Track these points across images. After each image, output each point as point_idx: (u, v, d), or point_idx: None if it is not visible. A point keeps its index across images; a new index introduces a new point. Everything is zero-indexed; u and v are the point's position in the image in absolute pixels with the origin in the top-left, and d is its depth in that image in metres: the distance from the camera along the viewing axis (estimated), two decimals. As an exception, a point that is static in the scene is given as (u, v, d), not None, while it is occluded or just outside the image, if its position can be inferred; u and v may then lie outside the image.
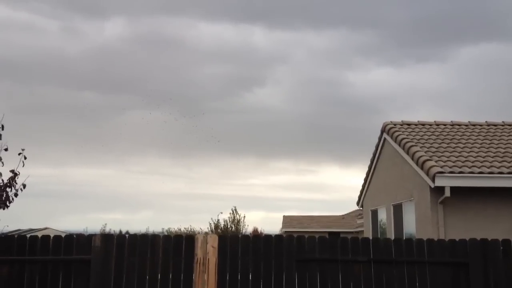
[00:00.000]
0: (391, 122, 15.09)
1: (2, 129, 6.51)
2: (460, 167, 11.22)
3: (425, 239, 7.44)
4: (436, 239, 7.80)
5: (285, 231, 30.99)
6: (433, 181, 10.83)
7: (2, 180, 6.43)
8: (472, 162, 11.65)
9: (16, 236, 7.09)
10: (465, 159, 11.85)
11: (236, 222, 35.51)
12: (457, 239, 7.40)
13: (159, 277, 7.06)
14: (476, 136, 13.97)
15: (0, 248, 6.75)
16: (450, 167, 11.17)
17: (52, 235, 7.11)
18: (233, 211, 35.58)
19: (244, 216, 35.83)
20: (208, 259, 7.10)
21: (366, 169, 17.65)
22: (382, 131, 15.39)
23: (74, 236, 7.08)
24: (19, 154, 6.44)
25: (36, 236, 7.06)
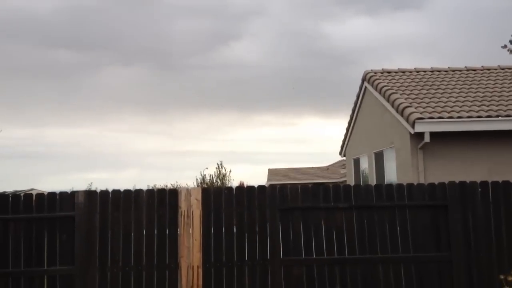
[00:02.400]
0: (371, 70, 15.09)
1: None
2: (439, 113, 11.33)
3: (405, 184, 7.57)
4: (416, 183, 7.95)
5: (271, 184, 31.31)
6: (413, 127, 10.94)
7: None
8: (451, 107, 11.76)
9: (-2, 196, 7.08)
10: (444, 104, 11.96)
11: (222, 177, 35.76)
12: (436, 183, 7.54)
13: (144, 231, 7.13)
14: (456, 81, 14.07)
15: (-18, 208, 6.73)
16: (429, 113, 11.27)
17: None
18: (218, 166, 35.77)
19: (230, 171, 36.08)
20: (192, 211, 7.16)
21: (347, 120, 17.75)
22: (363, 80, 15.40)
23: (57, 193, 7.07)
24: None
25: (19, 195, 7.06)
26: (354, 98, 16.63)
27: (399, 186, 7.49)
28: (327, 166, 36.85)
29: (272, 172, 36.10)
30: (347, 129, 17.96)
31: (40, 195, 7.06)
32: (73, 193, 7.06)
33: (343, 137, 18.54)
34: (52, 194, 7.06)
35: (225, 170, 35.92)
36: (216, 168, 35.73)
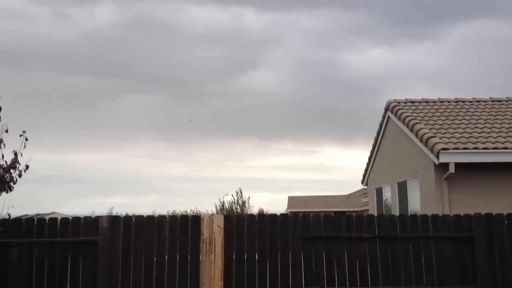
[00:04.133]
0: (394, 100, 15.05)
1: (0, 110, 6.50)
2: (464, 143, 11.21)
3: (429, 214, 7.47)
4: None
5: (291, 212, 31.13)
6: (438, 157, 10.84)
7: (6, 162, 6.46)
8: (477, 138, 11.63)
9: (24, 219, 7.16)
10: (469, 135, 11.84)
11: (242, 204, 35.66)
12: (461, 214, 7.43)
13: (166, 257, 7.13)
14: (480, 112, 13.93)
15: (9, 231, 6.81)
16: (454, 144, 11.16)
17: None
18: (237, 193, 35.69)
19: (249, 197, 35.96)
20: (215, 238, 7.15)
21: (367, 149, 17.67)
22: (386, 109, 15.35)
23: (82, 218, 7.14)
24: (20, 135, 6.46)
25: (44, 219, 7.14)
26: (374, 127, 16.58)
27: (424, 217, 7.40)
28: (347, 195, 36.56)
29: (292, 200, 35.92)
30: (369, 158, 17.85)
31: (65, 220, 7.13)
32: (97, 218, 7.12)
33: (365, 166, 18.41)
34: (76, 219, 7.13)
35: (244, 197, 35.83)
36: (236, 194, 35.63)
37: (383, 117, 15.85)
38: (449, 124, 12.72)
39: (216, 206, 35.23)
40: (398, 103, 14.76)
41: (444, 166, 10.89)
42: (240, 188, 35.76)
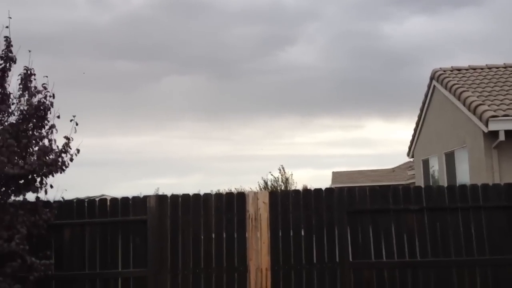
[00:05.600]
0: (440, 68, 14.64)
1: (53, 97, 6.71)
2: (514, 110, 10.82)
3: (479, 184, 7.27)
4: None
5: (336, 187, 30.95)
6: (487, 125, 10.51)
7: (57, 146, 6.67)
8: (527, 104, 11.20)
9: (75, 201, 7.39)
10: (519, 101, 11.41)
11: (285, 181, 35.68)
12: (513, 183, 7.20)
13: (213, 234, 7.23)
14: (531, 77, 13.38)
15: (62, 213, 7.05)
16: (504, 111, 10.79)
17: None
18: (280, 170, 35.69)
19: (292, 174, 35.89)
20: (260, 214, 7.19)
21: (413, 121, 17.30)
22: (432, 78, 14.96)
23: (130, 198, 7.30)
24: (71, 120, 6.63)
25: (94, 200, 7.35)
26: (418, 99, 16.20)
27: (474, 186, 7.21)
28: (392, 168, 36.01)
29: (336, 175, 35.70)
30: (415, 130, 17.49)
31: (114, 200, 7.31)
32: (145, 198, 7.26)
33: (410, 138, 18.06)
34: (125, 199, 7.30)
35: (287, 173, 35.80)
36: (279, 172, 35.64)
37: (428, 86, 15.46)
38: (497, 91, 12.29)
39: (259, 184, 35.40)
40: (444, 71, 14.36)
41: (494, 134, 10.56)
42: (282, 165, 35.74)
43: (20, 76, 6.67)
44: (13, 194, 6.47)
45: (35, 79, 6.71)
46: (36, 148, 6.55)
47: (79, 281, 7.08)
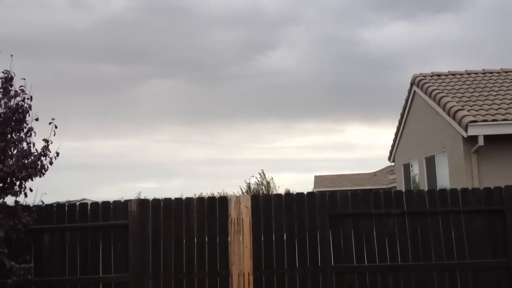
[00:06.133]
0: (420, 74, 14.80)
1: (31, 100, 6.63)
2: (493, 115, 10.99)
3: (459, 188, 7.36)
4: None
5: (318, 191, 31.05)
6: (466, 130, 10.65)
7: (36, 150, 6.59)
8: (506, 109, 11.39)
9: (55, 205, 7.30)
10: (498, 107, 11.59)
11: (267, 185, 35.71)
12: (492, 187, 7.30)
13: (195, 239, 7.20)
14: (509, 83, 13.61)
15: (41, 217, 6.96)
16: (483, 116, 10.95)
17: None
18: (260, 175, 35.69)
19: (272, 178, 35.93)
20: (242, 218, 7.19)
21: (394, 125, 17.47)
22: (412, 84, 15.13)
23: (111, 202, 7.24)
24: (50, 123, 6.56)
25: (75, 204, 7.26)
26: (399, 103, 16.36)
27: (453, 191, 7.30)
28: (374, 172, 36.29)
29: (318, 179, 35.83)
30: (396, 134, 17.65)
31: (95, 204, 7.25)
32: (126, 202, 7.21)
33: (391, 142, 18.23)
34: (106, 203, 7.23)
35: (267, 177, 35.82)
36: (259, 176, 35.64)
37: (409, 92, 15.62)
38: (477, 97, 12.47)
39: (241, 188, 35.37)
40: (424, 77, 14.52)
41: (473, 139, 10.71)
42: (262, 170, 35.75)
43: (0, 79, 6.58)
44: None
45: (13, 82, 6.62)
46: (15, 151, 6.46)
47: (59, 286, 6.99)
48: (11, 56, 6.53)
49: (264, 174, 35.62)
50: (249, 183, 35.20)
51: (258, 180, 35.37)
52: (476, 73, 14.68)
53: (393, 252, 7.14)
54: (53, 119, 6.55)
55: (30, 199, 6.67)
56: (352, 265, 7.10)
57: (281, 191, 36.18)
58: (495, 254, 7.10)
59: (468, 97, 12.40)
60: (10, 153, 6.45)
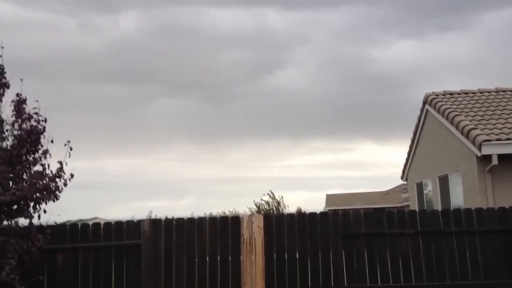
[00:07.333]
0: (432, 92, 14.75)
1: (46, 122, 6.68)
2: (506, 134, 10.90)
3: (473, 208, 7.29)
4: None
5: (329, 210, 30.86)
6: (480, 149, 10.57)
7: (51, 171, 6.62)
8: (519, 128, 11.29)
9: (68, 224, 7.33)
10: (511, 125, 11.50)
11: (277, 204, 35.47)
12: (507, 207, 7.22)
13: (207, 258, 7.18)
14: (523, 101, 13.51)
15: (54, 236, 6.97)
16: (496, 135, 10.87)
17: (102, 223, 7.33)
18: (270, 195, 35.44)
19: (282, 197, 35.68)
20: (255, 238, 7.17)
21: (403, 143, 17.47)
22: (424, 103, 15.07)
23: (124, 222, 7.26)
24: (65, 145, 6.59)
25: (88, 224, 7.29)
26: (409, 121, 16.30)
27: (468, 210, 7.23)
28: (386, 191, 36.04)
29: (330, 198, 35.67)
30: (408, 153, 17.55)
31: (108, 224, 7.27)
32: (139, 222, 7.22)
33: (404, 161, 18.11)
34: (119, 223, 7.25)
35: (277, 197, 35.60)
36: (269, 196, 35.39)
37: (421, 110, 15.56)
38: (490, 115, 12.39)
39: (250, 210, 35.12)
40: (437, 95, 14.47)
41: (487, 158, 10.62)
42: (270, 190, 35.51)
43: (13, 102, 6.66)
44: (5, 220, 6.39)
45: (26, 105, 6.68)
46: (28, 175, 6.47)
47: (72, 306, 6.98)
48: (21, 80, 6.61)
49: (273, 194, 35.40)
50: (258, 204, 34.89)
51: (267, 200, 35.15)
52: (489, 92, 14.60)
53: (406, 272, 7.07)
54: (68, 141, 6.59)
55: (43, 218, 6.68)
56: (365, 285, 7.04)
57: (292, 209, 35.96)
58: (511, 274, 6.99)
59: (481, 116, 12.33)
60: (25, 175, 6.48)
